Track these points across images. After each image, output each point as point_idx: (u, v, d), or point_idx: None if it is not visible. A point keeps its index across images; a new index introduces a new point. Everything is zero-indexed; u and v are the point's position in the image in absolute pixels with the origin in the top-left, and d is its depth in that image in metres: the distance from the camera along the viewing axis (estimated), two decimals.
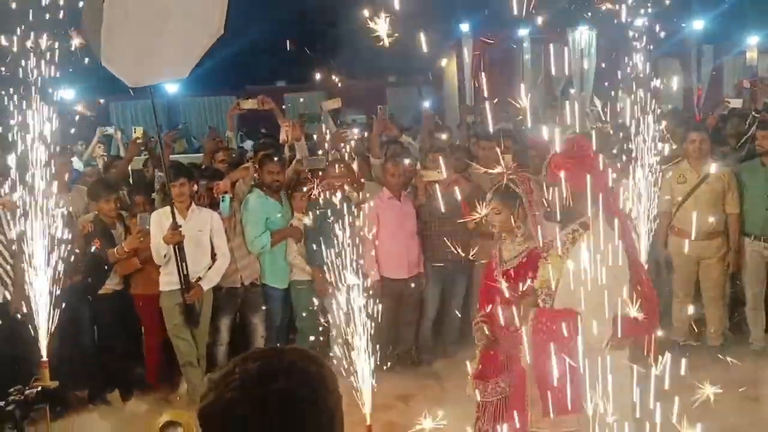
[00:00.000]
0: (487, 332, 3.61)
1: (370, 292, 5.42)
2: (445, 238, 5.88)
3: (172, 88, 16.44)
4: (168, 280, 5.33)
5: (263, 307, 5.78)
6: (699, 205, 5.75)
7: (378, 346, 6.12)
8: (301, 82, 19.71)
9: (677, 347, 6.03)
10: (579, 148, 3.01)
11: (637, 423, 3.10)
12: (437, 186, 5.76)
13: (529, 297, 3.26)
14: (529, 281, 3.30)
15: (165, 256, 5.21)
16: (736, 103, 7.91)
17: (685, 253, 5.84)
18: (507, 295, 3.58)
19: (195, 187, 5.40)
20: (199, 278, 5.34)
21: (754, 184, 5.76)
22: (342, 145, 6.94)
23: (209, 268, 5.43)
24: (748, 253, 5.84)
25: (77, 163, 7.88)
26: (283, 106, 6.97)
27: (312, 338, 5.85)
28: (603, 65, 15.92)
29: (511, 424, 3.18)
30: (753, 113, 7.02)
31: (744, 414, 4.90)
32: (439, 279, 6.01)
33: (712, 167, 5.73)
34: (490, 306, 3.68)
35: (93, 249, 5.36)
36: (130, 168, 6.89)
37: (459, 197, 5.84)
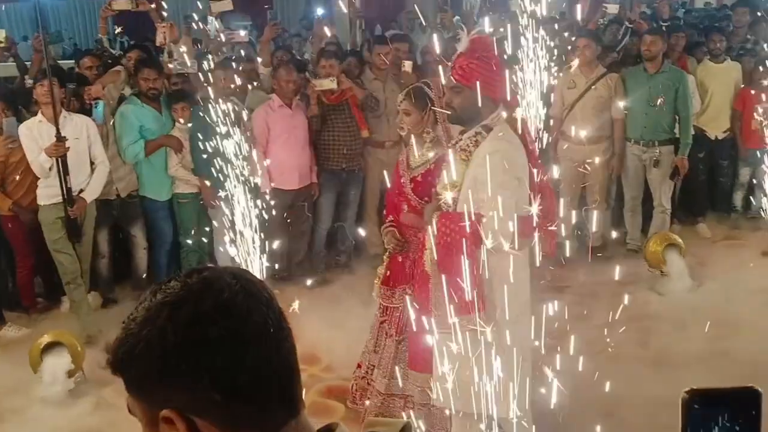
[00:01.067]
0: (398, 237, 3.60)
1: (260, 203, 5.31)
2: (338, 147, 5.79)
3: None
4: (48, 193, 4.95)
5: (141, 219, 5.55)
6: (586, 111, 5.87)
7: (269, 258, 6.09)
8: None
9: (560, 248, 6.29)
10: (482, 47, 2.92)
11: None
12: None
13: (432, 201, 3.23)
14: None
15: (50, 169, 4.83)
16: (612, 8, 8.07)
17: (573, 158, 6.02)
18: (413, 201, 3.57)
19: (63, 94, 4.96)
20: (81, 190, 5.01)
21: (636, 89, 5.88)
22: (225, 49, 6.62)
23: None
24: (628, 156, 6.02)
25: None
26: (165, 7, 6.43)
27: (197, 253, 5.71)
28: None
29: (417, 327, 3.19)
30: (626, 23, 7.21)
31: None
32: (333, 186, 5.90)
33: (600, 72, 5.85)
34: (398, 212, 3.67)
35: None
36: None
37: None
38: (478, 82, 2.89)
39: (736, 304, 5.09)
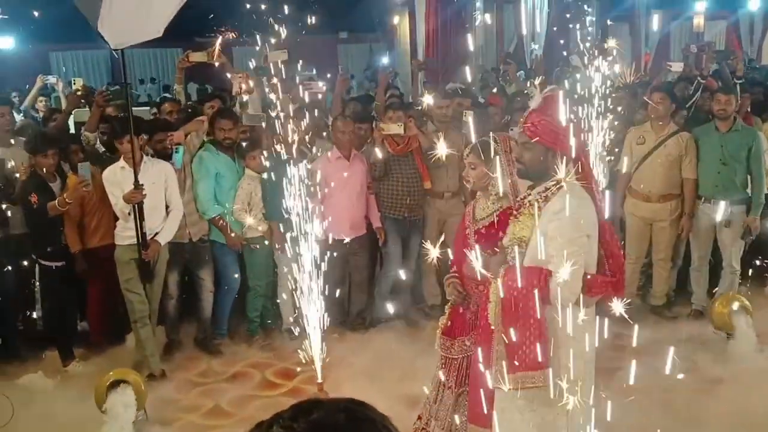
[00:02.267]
0: (459, 289, 3.61)
1: (318, 254, 5.40)
2: (402, 197, 5.86)
3: None
4: (124, 234, 5.16)
5: (211, 263, 5.67)
6: (655, 168, 5.81)
7: (329, 306, 6.14)
8: (250, 35, 19.23)
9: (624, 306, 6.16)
10: (555, 105, 2.95)
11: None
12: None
13: (498, 254, 3.23)
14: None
15: (129, 213, 5.04)
16: (677, 67, 8.04)
17: (640, 215, 5.94)
18: (478, 254, 3.58)
19: (142, 141, 5.19)
20: (156, 233, 5.19)
21: (707, 147, 5.80)
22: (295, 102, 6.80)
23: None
24: (698, 215, 5.91)
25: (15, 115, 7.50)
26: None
27: (263, 298, 5.79)
28: (554, 28, 16.02)
29: (476, 380, 3.18)
30: (698, 78, 7.14)
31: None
32: (398, 233, 5.95)
33: (672, 129, 5.80)
34: (462, 264, 3.67)
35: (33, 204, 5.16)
36: (73, 121, 6.61)
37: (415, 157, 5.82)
38: (550, 138, 2.93)
39: None
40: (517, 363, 2.91)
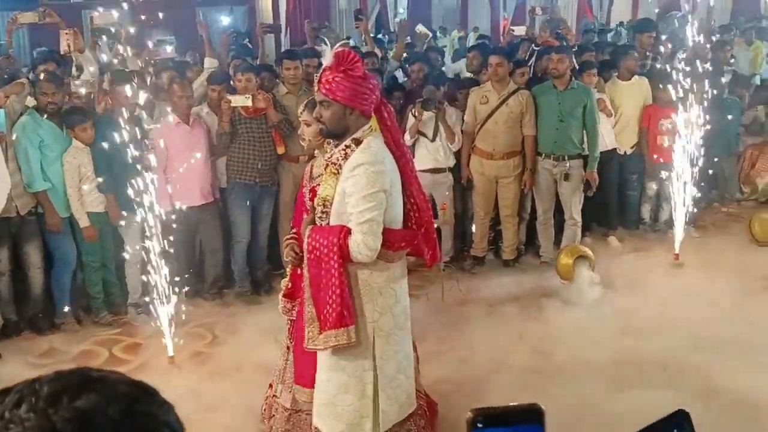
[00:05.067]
0: (297, 251, 3.56)
1: (164, 222, 5.18)
2: (252, 162, 5.71)
3: None
4: None
5: (38, 237, 5.30)
6: (499, 126, 5.97)
7: (181, 278, 5.96)
8: None
9: (474, 261, 6.38)
10: (348, 60, 2.91)
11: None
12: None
13: (309, 214, 3.21)
14: None
15: None
16: (519, 30, 8.36)
17: (485, 173, 6.11)
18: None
19: None
20: None
21: (545, 105, 6.02)
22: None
23: None
24: (539, 171, 6.14)
25: None
26: (83, 25, 6.25)
27: (102, 272, 5.52)
28: None
29: (300, 341, 3.20)
30: (533, 46, 7.43)
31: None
32: (247, 197, 5.79)
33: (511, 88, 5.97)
34: (300, 224, 3.62)
35: None
36: None
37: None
38: (345, 95, 2.89)
39: (644, 313, 5.24)
40: (322, 322, 2.93)
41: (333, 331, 2.91)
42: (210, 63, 6.43)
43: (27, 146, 5.09)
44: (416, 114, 5.86)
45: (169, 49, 7.05)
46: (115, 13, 5.31)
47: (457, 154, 6.22)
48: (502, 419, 0.85)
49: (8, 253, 5.28)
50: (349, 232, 2.90)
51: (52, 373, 0.81)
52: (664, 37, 7.32)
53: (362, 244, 2.86)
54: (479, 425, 0.84)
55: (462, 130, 6.14)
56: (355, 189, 2.87)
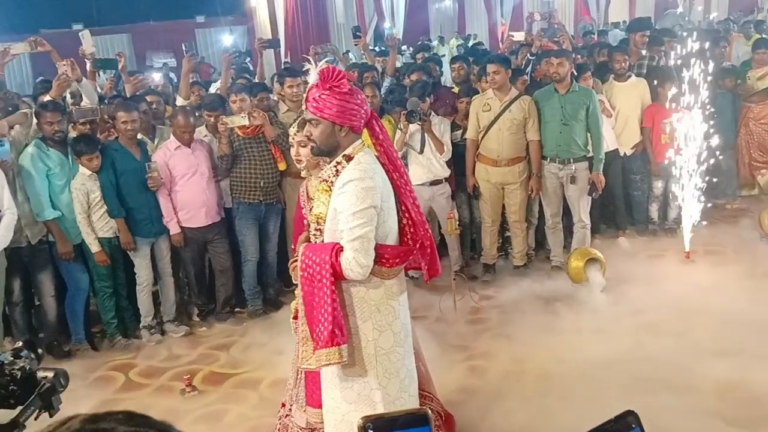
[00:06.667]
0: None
1: (174, 245, 5.19)
2: (255, 180, 5.73)
3: None
4: None
5: (50, 265, 5.34)
6: (503, 133, 5.96)
7: (193, 297, 5.97)
8: (102, 24, 18.35)
9: (484, 269, 6.37)
10: (333, 77, 2.87)
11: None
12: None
13: (304, 232, 3.19)
14: None
15: None
16: (518, 36, 8.38)
17: (491, 180, 6.10)
18: None
19: None
20: None
21: (548, 109, 6.01)
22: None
23: None
24: (545, 175, 6.13)
25: None
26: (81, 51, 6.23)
27: (114, 298, 5.54)
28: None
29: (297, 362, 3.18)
30: (528, 55, 7.44)
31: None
32: (253, 216, 5.80)
33: (513, 94, 5.97)
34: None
35: None
36: None
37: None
38: (333, 112, 2.87)
39: (658, 312, 5.22)
40: (315, 341, 2.90)
41: (324, 350, 2.86)
42: (180, 102, 6.41)
43: (34, 176, 5.13)
44: (401, 127, 5.86)
45: (157, 75, 7.04)
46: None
47: (457, 164, 6.22)
48: (391, 425, 0.89)
49: (21, 282, 5.32)
50: (341, 249, 2.86)
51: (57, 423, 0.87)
52: (663, 36, 7.32)
53: (353, 261, 2.82)
54: (370, 431, 0.88)
55: (465, 138, 6.15)
56: (345, 206, 2.84)
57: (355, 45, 9.05)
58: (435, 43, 17.04)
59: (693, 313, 5.13)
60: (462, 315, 5.61)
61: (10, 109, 5.58)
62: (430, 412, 0.88)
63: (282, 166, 5.83)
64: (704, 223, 6.57)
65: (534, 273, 6.34)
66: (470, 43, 15.61)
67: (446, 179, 6.16)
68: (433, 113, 6.07)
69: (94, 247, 5.30)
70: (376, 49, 12.72)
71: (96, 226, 5.32)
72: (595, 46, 8.58)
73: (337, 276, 2.87)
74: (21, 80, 16.87)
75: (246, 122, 5.42)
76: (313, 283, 2.88)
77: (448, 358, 4.69)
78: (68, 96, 5.69)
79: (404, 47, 14.94)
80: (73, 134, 5.43)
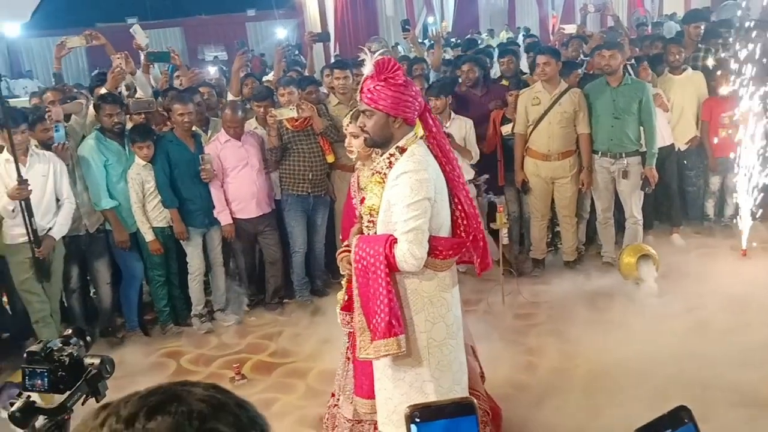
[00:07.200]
0: (350, 262, 3.58)
1: (225, 237, 5.24)
2: (303, 173, 5.78)
3: (12, 30, 15.06)
4: (15, 233, 4.89)
5: (107, 253, 5.48)
6: (553, 126, 5.88)
7: (243, 287, 6.06)
8: (155, 18, 18.72)
9: (533, 264, 6.31)
10: (388, 68, 2.87)
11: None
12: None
13: (356, 224, 3.21)
14: None
15: (13, 211, 4.78)
16: (570, 29, 8.24)
17: (541, 174, 6.03)
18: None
19: (22, 134, 4.92)
20: (49, 228, 4.96)
21: (599, 102, 5.91)
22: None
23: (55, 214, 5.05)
24: (596, 169, 6.03)
25: None
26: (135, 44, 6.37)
27: (166, 287, 5.66)
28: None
29: (354, 353, 3.20)
30: (581, 56, 7.28)
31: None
32: (301, 208, 5.86)
33: (563, 87, 5.88)
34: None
35: None
36: None
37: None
38: (387, 104, 2.87)
39: (713, 311, 5.09)
40: (372, 331, 2.92)
41: (383, 340, 2.89)
42: (231, 98, 6.45)
43: (93, 166, 5.27)
44: None
45: (212, 69, 7.15)
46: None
47: (506, 158, 6.14)
48: (438, 414, 0.89)
49: (78, 270, 5.48)
50: (395, 241, 2.87)
51: (142, 390, 0.86)
52: (721, 28, 7.12)
53: (408, 253, 2.83)
54: (417, 420, 0.88)
55: (513, 133, 6.08)
56: (399, 198, 2.84)
57: (404, 38, 9.05)
58: (485, 35, 16.89)
59: (748, 312, 5.01)
60: (510, 309, 5.57)
61: (68, 100, 5.72)
62: (476, 401, 0.88)
63: (330, 159, 5.87)
64: (761, 220, 6.39)
65: (584, 269, 6.24)
66: (520, 36, 15.45)
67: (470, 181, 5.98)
68: (453, 114, 5.97)
69: (149, 236, 5.42)
70: (425, 42, 12.69)
71: (150, 216, 5.44)
72: (647, 38, 8.40)
73: (391, 267, 2.88)
74: (77, 73, 17.35)
75: (294, 114, 5.47)
76: (368, 274, 2.91)
77: (497, 353, 4.66)
78: (123, 88, 5.82)
79: (453, 40, 14.86)
80: (129, 125, 5.56)
